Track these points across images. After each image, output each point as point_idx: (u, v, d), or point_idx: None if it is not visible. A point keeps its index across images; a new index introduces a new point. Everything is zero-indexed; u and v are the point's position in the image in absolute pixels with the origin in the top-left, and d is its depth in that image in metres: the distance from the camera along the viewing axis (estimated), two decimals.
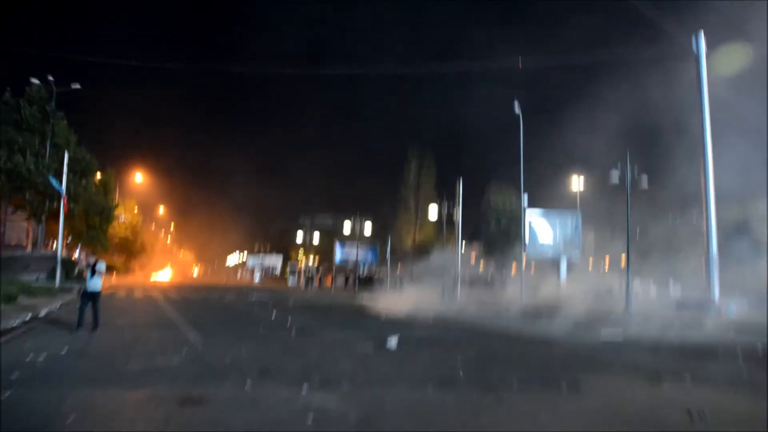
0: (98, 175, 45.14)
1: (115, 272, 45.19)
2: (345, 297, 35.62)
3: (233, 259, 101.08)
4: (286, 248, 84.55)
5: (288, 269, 68.02)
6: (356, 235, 59.21)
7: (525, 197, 32.87)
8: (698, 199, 25.49)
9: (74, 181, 35.58)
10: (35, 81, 35.77)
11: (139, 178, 61.95)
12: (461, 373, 9.32)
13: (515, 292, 32.19)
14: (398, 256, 55.31)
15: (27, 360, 9.03)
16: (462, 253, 44.10)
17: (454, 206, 41.19)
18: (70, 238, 41.32)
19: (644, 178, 25.22)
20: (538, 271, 41.49)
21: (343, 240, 63.56)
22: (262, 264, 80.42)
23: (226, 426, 5.86)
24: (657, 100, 27.88)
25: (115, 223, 51.40)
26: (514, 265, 42.96)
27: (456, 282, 35.30)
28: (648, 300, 31.92)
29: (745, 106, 27.25)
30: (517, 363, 10.67)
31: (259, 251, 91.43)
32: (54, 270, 30.53)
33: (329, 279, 56.95)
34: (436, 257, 41.14)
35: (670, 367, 9.81)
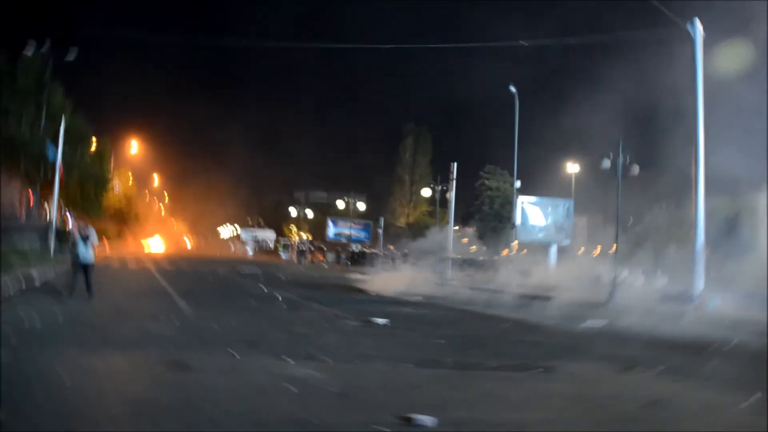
0: (93, 144, 45.09)
1: (108, 242, 45.37)
2: (336, 273, 36.01)
3: (226, 231, 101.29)
4: (279, 222, 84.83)
5: (281, 244, 68.35)
6: (349, 212, 59.50)
7: (518, 183, 33.19)
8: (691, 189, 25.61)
9: (69, 151, 35.61)
10: (31, 45, 35.49)
11: (134, 147, 61.94)
12: (441, 352, 9.71)
13: (506, 275, 32.58)
14: (391, 234, 55.68)
15: (25, 326, 9.35)
16: (455, 234, 44.48)
17: (448, 186, 41.42)
18: (65, 207, 41.48)
19: (635, 167, 25.40)
20: (529, 255, 41.88)
21: (337, 216, 63.85)
22: (255, 237, 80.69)
23: (212, 391, 6.21)
24: (657, 85, 27.97)
25: (109, 193, 51.48)
26: (508, 249, 43.37)
27: (447, 262, 35.67)
28: (635, 290, 32.25)
29: (744, 97, 27.44)
30: (496, 346, 11.06)
31: (252, 225, 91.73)
32: (48, 239, 30.74)
33: (321, 255, 57.32)
34: (429, 237, 41.41)
35: (642, 358, 10.13)
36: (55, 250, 30.00)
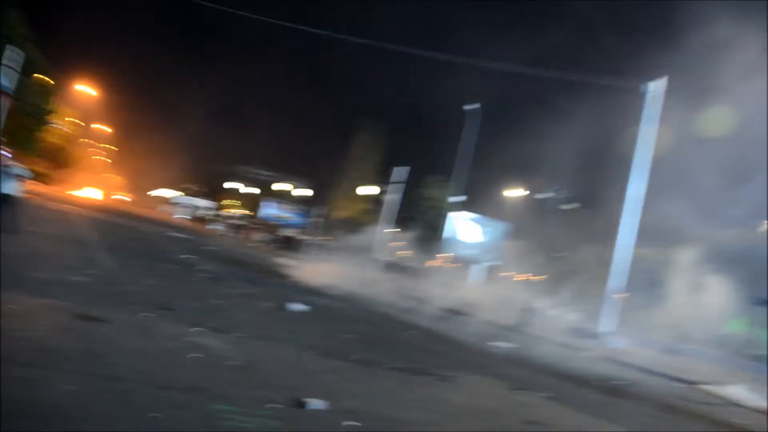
0: (42, 78, 43.65)
1: (41, 182, 43.98)
2: (265, 254, 35.96)
3: (166, 193, 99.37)
4: (219, 193, 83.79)
5: (216, 215, 67.55)
6: (291, 196, 59.29)
7: (460, 198, 33.87)
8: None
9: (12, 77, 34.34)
10: None
11: (85, 90, 60.17)
12: (347, 346, 10.01)
13: (431, 284, 33.17)
14: (328, 225, 55.76)
15: None
16: (392, 237, 45.01)
17: (394, 189, 41.89)
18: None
19: (568, 204, 26.44)
20: (460, 269, 42.68)
21: (277, 197, 63.49)
22: (192, 204, 79.45)
23: (116, 346, 6.33)
24: (613, 130, 29.18)
25: (48, 129, 49.90)
26: (441, 258, 44.02)
27: (376, 263, 36.05)
28: (549, 320, 33.38)
29: (691, 160, 28.88)
30: (402, 349, 11.44)
31: (192, 191, 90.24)
32: None
33: (254, 233, 56.91)
34: (364, 234, 41.73)
35: (535, 382, 10.72)
36: None
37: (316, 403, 5.71)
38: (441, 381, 8.83)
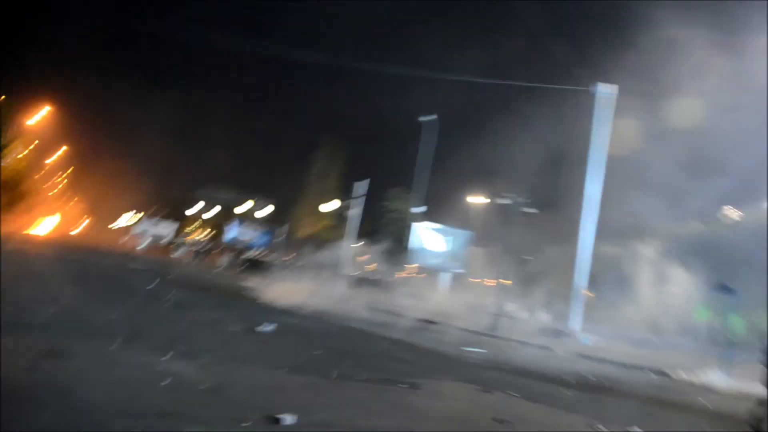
0: None
1: None
2: (231, 276, 35.77)
3: (126, 219, 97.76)
4: (180, 218, 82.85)
5: (178, 241, 66.87)
6: (253, 217, 58.97)
7: (422, 209, 34.19)
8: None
9: None
10: None
11: (39, 117, 58.89)
12: (316, 362, 10.14)
13: (399, 296, 33.42)
14: (293, 243, 55.61)
15: None
16: (358, 251, 45.12)
17: (356, 203, 42.03)
18: None
19: (529, 209, 26.97)
20: (426, 279, 42.98)
21: (239, 219, 63.08)
22: (152, 231, 78.44)
23: (85, 380, 6.35)
24: (571, 133, 29.91)
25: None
26: (407, 269, 44.25)
27: (344, 278, 36.12)
28: (519, 322, 33.86)
29: (645, 158, 29.76)
30: (371, 361, 11.58)
31: (152, 217, 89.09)
32: None
33: (217, 257, 56.44)
34: (329, 251, 41.76)
35: (505, 383, 10.92)
36: None
37: (287, 418, 5.82)
38: (412, 388, 8.98)
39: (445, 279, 39.35)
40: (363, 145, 79.22)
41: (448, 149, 54.25)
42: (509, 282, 42.33)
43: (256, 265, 47.51)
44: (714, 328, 26.44)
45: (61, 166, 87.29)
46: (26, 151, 59.97)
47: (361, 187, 39.08)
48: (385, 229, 50.51)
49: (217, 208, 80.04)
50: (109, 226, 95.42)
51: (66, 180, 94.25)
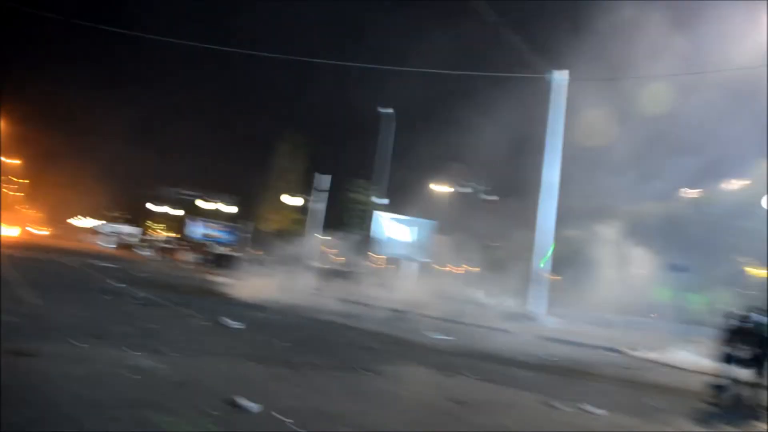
0: None
1: None
2: (197, 274, 35.72)
3: (87, 222, 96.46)
4: (143, 218, 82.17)
5: (143, 240, 66.33)
6: (218, 213, 58.72)
7: (385, 200, 34.51)
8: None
9: None
10: None
11: None
12: (282, 352, 10.46)
13: (367, 287, 33.83)
14: (259, 239, 55.60)
15: None
16: (323, 244, 45.36)
17: (320, 196, 42.23)
18: None
19: (485, 194, 27.50)
20: (393, 269, 43.44)
21: (204, 216, 62.77)
22: (116, 231, 77.62)
23: (55, 377, 6.57)
24: (531, 120, 30.44)
25: None
26: (372, 259, 44.66)
27: (311, 271, 36.37)
28: (485, 308, 34.46)
29: (603, 142, 30.45)
30: (337, 350, 11.89)
31: (115, 218, 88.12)
32: None
33: (184, 254, 56.18)
34: (296, 244, 41.94)
35: (469, 367, 11.25)
36: None
37: (251, 406, 6.13)
38: (375, 375, 9.32)
39: (411, 268, 39.85)
40: (325, 138, 79.15)
41: (408, 140, 54.55)
42: (475, 269, 43.06)
43: (223, 261, 47.44)
44: (673, 306, 27.18)
45: (16, 172, 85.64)
46: None
47: (324, 180, 39.29)
48: (350, 221, 50.81)
49: (183, 206, 79.45)
50: (75, 228, 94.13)
51: (22, 186, 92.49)
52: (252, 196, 64.08)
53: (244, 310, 16.21)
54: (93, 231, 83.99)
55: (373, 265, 42.70)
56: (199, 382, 7.34)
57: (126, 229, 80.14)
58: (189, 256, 54.81)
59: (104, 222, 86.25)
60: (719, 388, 9.89)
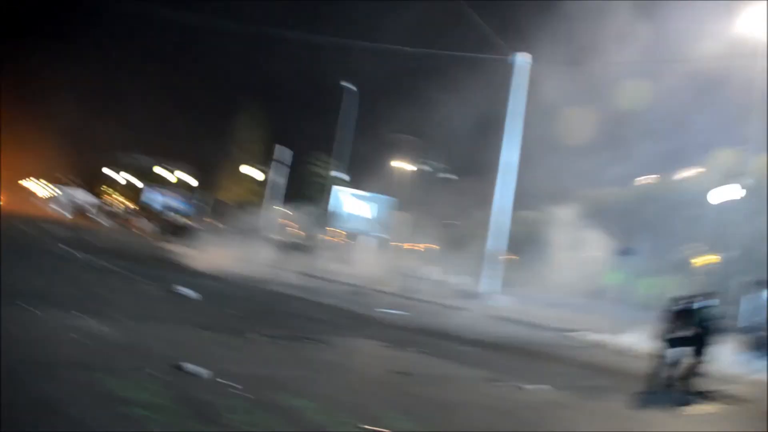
0: None
1: None
2: (153, 242, 35.41)
3: (38, 189, 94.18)
4: (99, 185, 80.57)
5: (98, 207, 65.14)
6: (175, 182, 57.95)
7: (344, 175, 34.57)
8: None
9: None
10: None
11: None
12: (231, 321, 10.56)
13: (324, 261, 33.99)
14: (217, 209, 55.14)
15: None
16: (281, 217, 45.21)
17: (280, 169, 42.01)
18: None
19: (443, 173, 27.77)
20: (351, 244, 43.63)
21: (161, 184, 61.89)
22: (71, 198, 76.00)
23: (2, 339, 6.52)
24: (492, 101, 30.68)
25: None
26: (331, 236, 44.72)
27: (270, 243, 36.29)
28: (438, 285, 34.91)
29: (560, 125, 30.89)
30: (285, 320, 12.03)
31: (69, 184, 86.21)
32: None
33: (140, 222, 55.43)
34: (255, 216, 41.80)
35: (412, 340, 11.49)
36: None
37: (199, 371, 6.22)
38: (324, 345, 9.48)
39: (369, 244, 40.09)
40: (287, 111, 78.47)
41: (371, 116, 54.48)
42: (433, 246, 43.46)
43: (180, 231, 47.00)
44: (624, 290, 27.80)
45: None
46: None
47: (284, 152, 39.10)
48: (310, 195, 50.69)
49: (140, 174, 78.16)
50: (27, 192, 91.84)
51: None
52: (211, 166, 63.39)
53: (198, 280, 16.18)
54: (43, 197, 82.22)
55: (332, 240, 42.77)
56: (149, 347, 7.40)
57: (81, 195, 78.58)
58: (146, 225, 54.13)
59: (58, 186, 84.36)
60: (659, 370, 10.25)
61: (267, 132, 60.61)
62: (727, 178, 22.34)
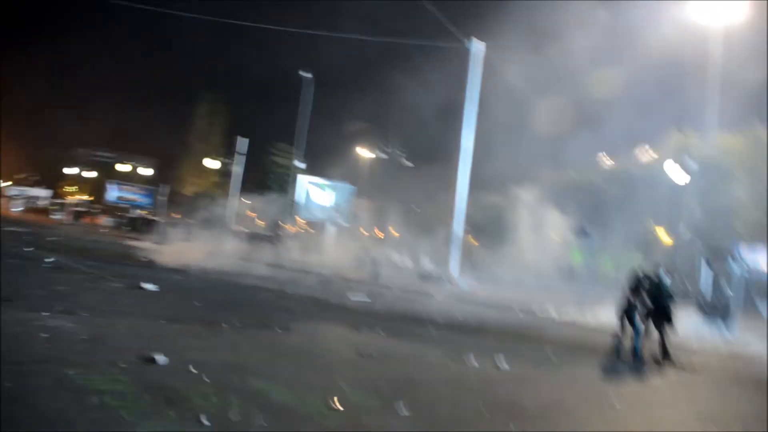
0: None
1: None
2: (113, 238, 35.04)
3: None
4: (56, 181, 79.01)
5: (55, 204, 63.97)
6: (135, 176, 57.21)
7: (303, 164, 34.64)
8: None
9: None
10: None
11: None
12: (195, 312, 10.74)
13: (287, 250, 34.08)
14: (178, 202, 54.66)
15: None
16: (244, 208, 45.06)
17: (241, 160, 41.83)
18: None
19: (404, 160, 28.03)
20: (314, 233, 43.75)
21: (120, 179, 61.03)
22: (25, 194, 74.43)
23: None
24: (451, 90, 30.95)
25: None
26: (295, 225, 44.75)
27: (231, 235, 36.21)
28: (402, 270, 35.29)
29: (516, 110, 31.39)
30: (250, 310, 12.16)
31: (24, 180, 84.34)
32: None
33: (99, 218, 54.71)
34: (217, 207, 41.59)
35: (377, 325, 11.70)
36: None
37: (160, 359, 6.38)
38: (287, 332, 9.69)
39: (332, 232, 40.24)
40: (246, 101, 78.02)
41: (330, 104, 54.50)
42: (395, 233, 43.80)
43: (140, 225, 46.55)
44: (585, 269, 28.32)
45: None
46: None
47: (243, 143, 38.98)
48: (271, 185, 50.55)
49: (97, 168, 76.85)
50: None
51: None
52: (170, 159, 62.68)
53: (160, 273, 16.22)
54: (4, 195, 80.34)
55: (295, 229, 42.81)
56: (110, 338, 7.55)
57: (35, 191, 76.96)
58: (104, 220, 53.43)
59: (10, 184, 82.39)
60: (620, 342, 10.65)
61: (227, 123, 60.22)
62: (681, 158, 23.00)
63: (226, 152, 50.16)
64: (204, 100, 61.07)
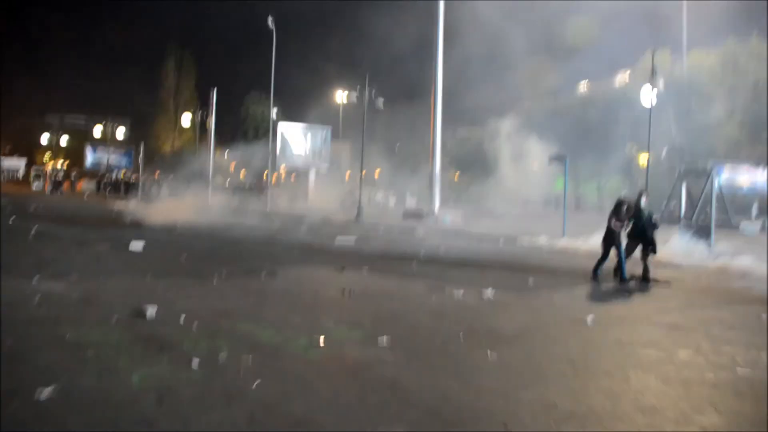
0: None
1: None
2: (95, 202, 34.96)
3: None
4: (30, 149, 77.81)
5: (32, 173, 63.18)
6: (108, 138, 56.58)
7: (274, 111, 34.56)
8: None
9: None
10: None
11: None
12: (182, 266, 11.07)
13: (272, 199, 34.25)
14: (156, 161, 54.30)
15: None
16: (222, 162, 44.90)
17: (216, 112, 41.38)
18: None
19: (380, 101, 27.97)
20: (296, 180, 43.80)
21: (96, 142, 60.36)
22: (2, 164, 73.33)
23: None
24: (414, 31, 30.79)
25: None
26: (276, 173, 44.72)
27: (213, 189, 36.24)
28: (386, 209, 35.70)
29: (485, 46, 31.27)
30: (237, 258, 12.45)
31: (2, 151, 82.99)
32: None
33: (79, 184, 54.27)
34: (194, 164, 41.36)
35: (361, 264, 12.02)
36: None
37: (150, 312, 6.67)
38: (273, 277, 10.01)
39: (313, 177, 40.40)
40: (217, 54, 76.60)
41: (302, 50, 53.75)
42: (376, 173, 44.03)
43: (121, 187, 46.38)
44: (568, 195, 28.70)
45: None
46: None
47: (211, 96, 38.72)
48: (248, 135, 50.31)
49: (71, 133, 75.72)
50: None
51: None
52: (143, 117, 61.90)
53: (144, 232, 16.39)
54: None
55: (277, 177, 42.86)
56: (101, 296, 7.85)
57: (10, 162, 75.82)
58: (84, 185, 53.08)
59: None
60: (599, 265, 11.00)
61: (199, 77, 59.40)
62: (655, 79, 23.12)
63: (200, 105, 49.61)
64: (173, 55, 60.07)
